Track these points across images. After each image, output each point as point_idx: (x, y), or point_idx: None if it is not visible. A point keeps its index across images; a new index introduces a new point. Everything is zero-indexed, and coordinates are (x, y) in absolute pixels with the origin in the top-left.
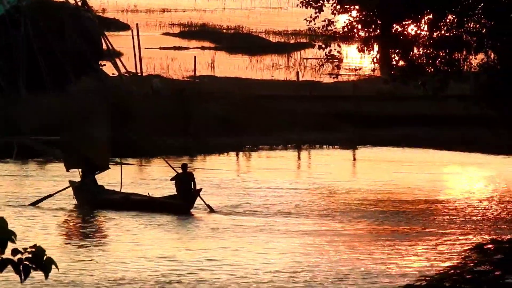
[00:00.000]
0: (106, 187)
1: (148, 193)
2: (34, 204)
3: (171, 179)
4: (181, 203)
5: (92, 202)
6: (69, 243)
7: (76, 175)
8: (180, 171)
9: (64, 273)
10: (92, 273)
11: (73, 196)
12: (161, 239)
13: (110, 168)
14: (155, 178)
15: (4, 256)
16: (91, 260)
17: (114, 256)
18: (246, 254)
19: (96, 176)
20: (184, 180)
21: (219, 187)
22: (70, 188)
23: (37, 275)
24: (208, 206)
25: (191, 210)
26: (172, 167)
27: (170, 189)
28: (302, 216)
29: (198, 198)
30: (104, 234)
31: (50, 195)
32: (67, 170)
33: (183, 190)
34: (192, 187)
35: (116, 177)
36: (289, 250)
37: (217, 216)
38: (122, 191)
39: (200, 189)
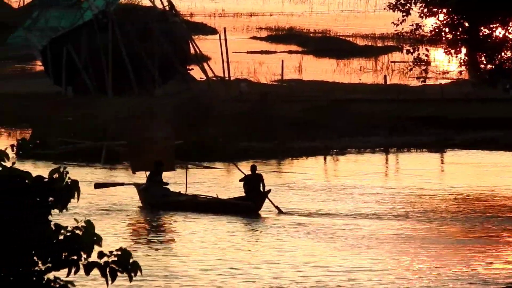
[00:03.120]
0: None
1: (216, 195)
2: (99, 186)
3: (240, 180)
4: (249, 204)
5: (158, 203)
6: (140, 245)
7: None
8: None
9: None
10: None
11: (138, 199)
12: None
13: (175, 170)
14: (227, 180)
15: (90, 259)
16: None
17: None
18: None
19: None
20: (253, 182)
21: (308, 190)
22: (135, 190)
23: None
24: (277, 207)
25: (259, 212)
26: (241, 170)
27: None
28: (401, 219)
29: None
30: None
31: (115, 184)
32: (134, 173)
33: (252, 192)
34: (261, 188)
35: (188, 179)
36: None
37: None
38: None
39: (269, 191)
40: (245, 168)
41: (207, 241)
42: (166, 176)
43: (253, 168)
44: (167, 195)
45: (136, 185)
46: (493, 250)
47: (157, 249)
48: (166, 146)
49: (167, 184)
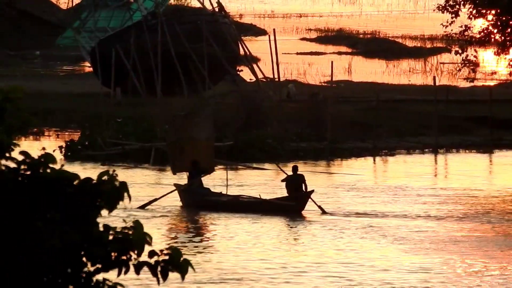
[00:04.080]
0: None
1: (259, 195)
2: (142, 207)
3: (282, 181)
4: (292, 204)
5: (200, 203)
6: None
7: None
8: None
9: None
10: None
11: (179, 199)
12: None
13: (215, 170)
14: (270, 180)
15: (140, 259)
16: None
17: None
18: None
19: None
20: (295, 182)
21: (358, 191)
22: (176, 192)
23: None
24: (320, 207)
25: (302, 212)
26: (283, 170)
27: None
28: (451, 220)
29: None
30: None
31: (156, 199)
32: (174, 173)
33: (294, 192)
34: (303, 188)
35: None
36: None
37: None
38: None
39: (312, 191)
40: (301, 168)
41: (265, 243)
42: (208, 177)
43: (295, 169)
44: (208, 195)
45: (177, 185)
46: None
47: (201, 251)
48: (206, 146)
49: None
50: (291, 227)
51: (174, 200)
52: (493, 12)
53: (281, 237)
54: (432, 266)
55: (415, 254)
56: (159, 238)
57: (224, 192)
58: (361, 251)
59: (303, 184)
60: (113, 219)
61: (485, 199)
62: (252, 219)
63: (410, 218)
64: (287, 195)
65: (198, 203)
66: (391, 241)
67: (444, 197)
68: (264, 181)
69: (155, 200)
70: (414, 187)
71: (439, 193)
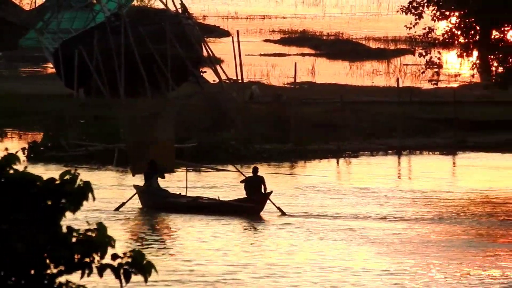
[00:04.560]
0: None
1: (218, 196)
2: (117, 209)
3: (241, 182)
4: (251, 206)
5: (160, 205)
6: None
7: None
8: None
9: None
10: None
11: (138, 201)
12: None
13: (175, 172)
14: (228, 182)
15: (103, 261)
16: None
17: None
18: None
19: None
20: (254, 183)
21: (322, 192)
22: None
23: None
24: (279, 208)
25: (261, 213)
26: (241, 172)
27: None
28: (407, 221)
29: (269, 201)
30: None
31: (123, 203)
32: (133, 175)
33: (253, 193)
34: (262, 190)
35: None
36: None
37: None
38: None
39: (271, 192)
40: (261, 170)
41: (215, 243)
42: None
43: (255, 170)
44: (167, 196)
45: (136, 187)
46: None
47: (164, 253)
48: (167, 147)
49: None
50: (251, 229)
51: (134, 202)
52: (456, 14)
53: (242, 239)
54: (402, 268)
55: (385, 256)
56: (121, 240)
57: (183, 193)
58: (329, 254)
59: (262, 186)
60: (77, 222)
61: (452, 201)
62: (212, 221)
63: (375, 220)
64: (246, 196)
65: (157, 205)
66: (358, 243)
67: (410, 199)
68: (227, 183)
69: (125, 202)
70: (378, 189)
71: (405, 195)
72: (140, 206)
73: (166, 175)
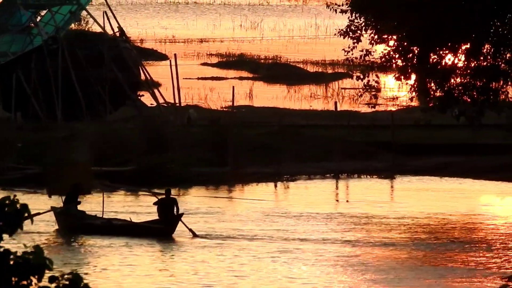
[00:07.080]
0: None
1: (130, 218)
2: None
3: (154, 204)
4: (162, 227)
5: (75, 227)
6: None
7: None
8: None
9: None
10: None
11: (54, 221)
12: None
13: (91, 193)
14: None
15: (41, 284)
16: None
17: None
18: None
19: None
20: (167, 205)
21: (256, 216)
22: (52, 213)
23: None
24: (191, 230)
25: (173, 235)
26: (154, 194)
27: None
28: (336, 243)
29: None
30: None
31: (28, 216)
32: (50, 196)
33: (165, 215)
34: (175, 212)
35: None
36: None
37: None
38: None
39: (182, 214)
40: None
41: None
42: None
43: (168, 192)
44: (83, 218)
45: (54, 208)
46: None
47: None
48: (85, 168)
49: (80, 202)
50: (164, 251)
51: (49, 223)
52: (394, 37)
53: (157, 262)
54: None
55: (318, 276)
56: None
57: (100, 215)
58: (261, 274)
59: (174, 207)
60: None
61: (389, 225)
62: (127, 243)
63: (309, 241)
64: (158, 218)
65: (74, 226)
66: (285, 262)
67: (348, 222)
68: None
69: (27, 218)
70: (314, 212)
71: (342, 219)
72: (57, 228)
73: (86, 195)
